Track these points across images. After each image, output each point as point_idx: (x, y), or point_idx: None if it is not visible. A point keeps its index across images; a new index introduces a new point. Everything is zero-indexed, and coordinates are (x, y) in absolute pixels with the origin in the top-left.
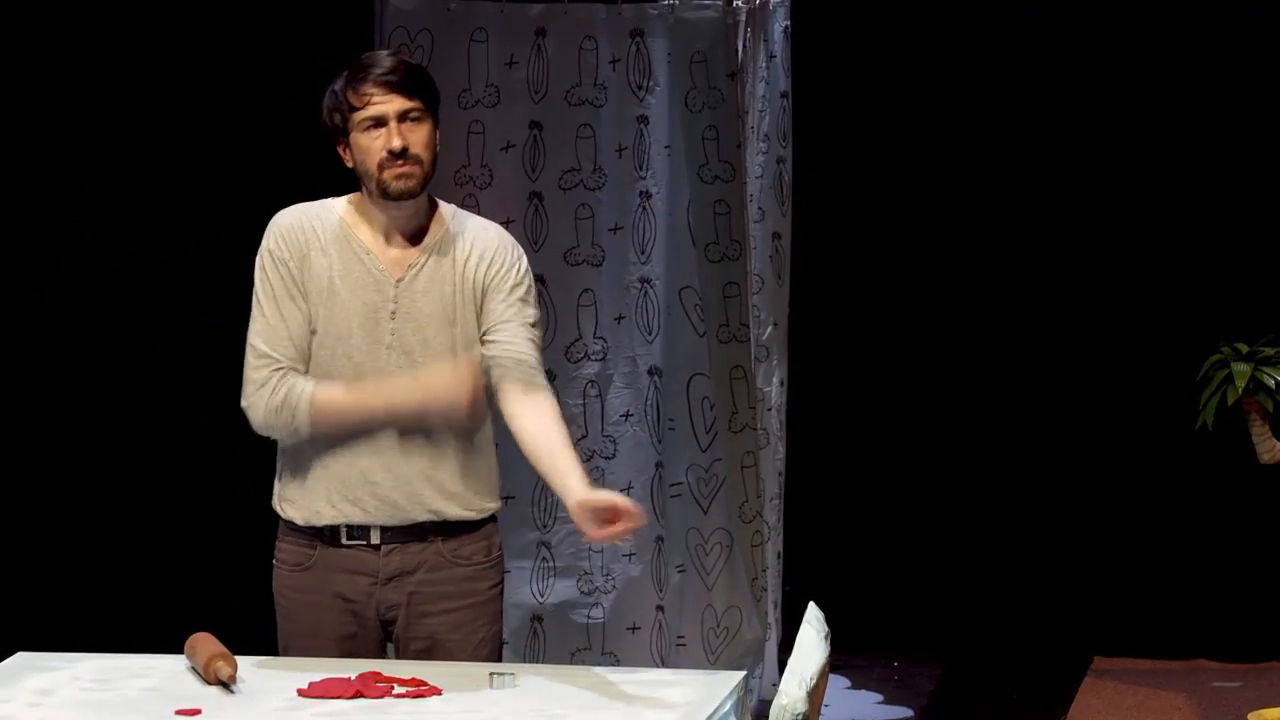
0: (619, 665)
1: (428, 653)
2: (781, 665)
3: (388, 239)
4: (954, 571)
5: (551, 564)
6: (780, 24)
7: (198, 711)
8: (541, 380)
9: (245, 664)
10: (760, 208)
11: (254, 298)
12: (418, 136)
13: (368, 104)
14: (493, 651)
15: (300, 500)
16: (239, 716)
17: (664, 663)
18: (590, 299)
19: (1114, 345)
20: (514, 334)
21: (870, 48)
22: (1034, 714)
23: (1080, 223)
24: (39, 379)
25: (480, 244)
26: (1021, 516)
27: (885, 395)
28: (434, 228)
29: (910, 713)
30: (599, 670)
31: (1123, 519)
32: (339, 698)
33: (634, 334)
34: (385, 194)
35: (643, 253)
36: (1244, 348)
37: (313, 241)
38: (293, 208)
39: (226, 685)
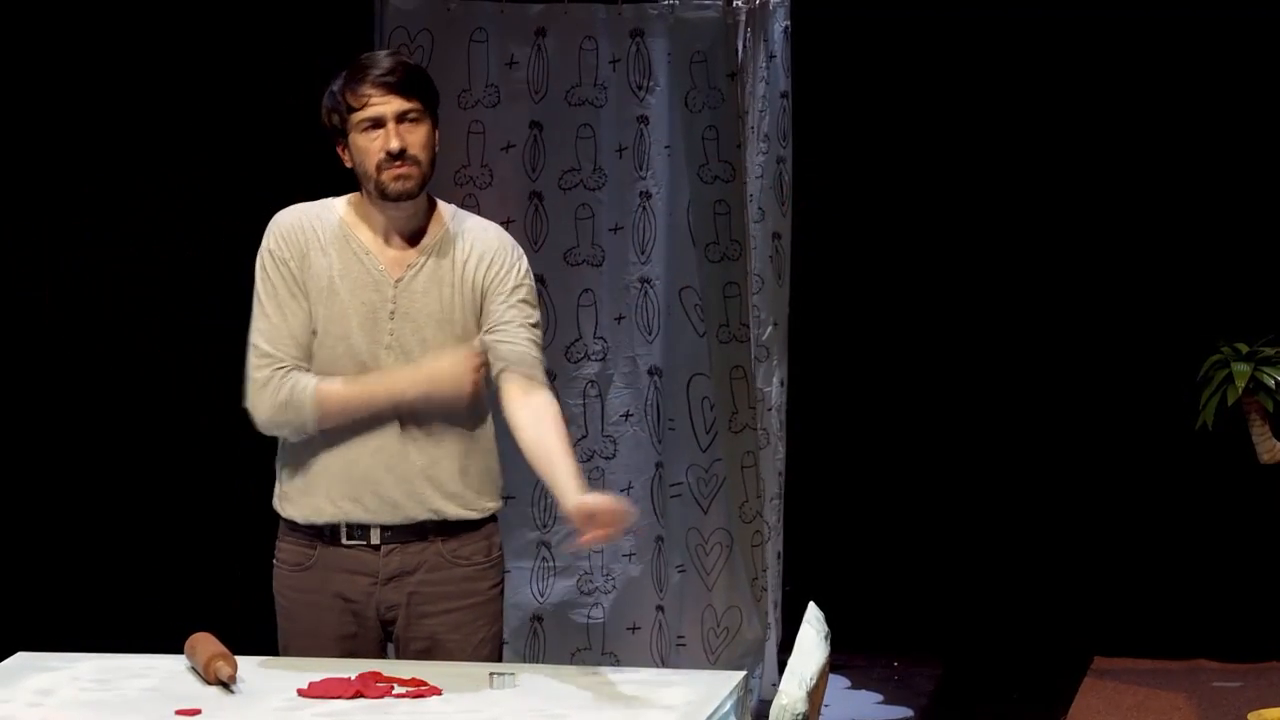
0: (619, 665)
1: (428, 653)
2: (781, 665)
3: (387, 239)
4: (954, 571)
5: (551, 564)
6: (780, 24)
7: (198, 711)
8: (542, 380)
9: (245, 664)
10: (760, 208)
11: (255, 298)
12: (416, 137)
13: (366, 105)
14: (493, 651)
15: (300, 498)
16: (239, 716)
17: (664, 663)
18: (590, 299)
19: (1114, 345)
20: (515, 334)
21: (870, 48)
22: (1034, 714)
23: (1080, 223)
24: (39, 379)
25: (480, 245)
26: (1021, 516)
27: (885, 395)
28: (433, 228)
29: (910, 713)
30: (599, 670)
31: (1123, 519)
32: (339, 698)
33: (634, 334)
34: (383, 195)
35: (643, 253)
36: (1244, 348)
37: (312, 241)
38: (293, 208)
39: (226, 685)
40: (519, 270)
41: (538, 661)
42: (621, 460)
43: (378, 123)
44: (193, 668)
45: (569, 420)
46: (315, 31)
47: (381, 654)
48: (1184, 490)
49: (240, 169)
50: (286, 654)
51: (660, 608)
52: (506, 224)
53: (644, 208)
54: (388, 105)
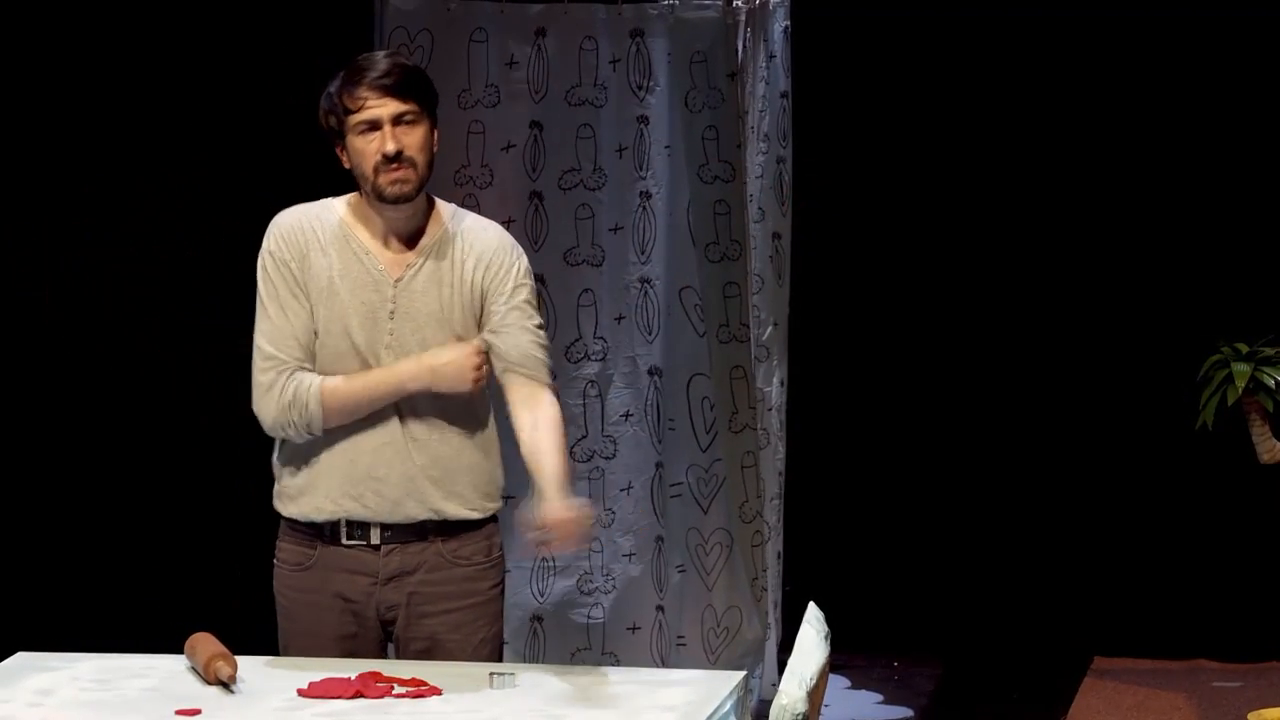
0: (619, 665)
1: (428, 653)
2: (781, 665)
3: (387, 239)
4: (954, 571)
5: (551, 564)
6: (780, 24)
7: (198, 711)
8: (546, 380)
9: (245, 664)
10: (760, 208)
11: (258, 300)
12: (412, 139)
13: (362, 107)
14: (493, 652)
15: (300, 496)
16: (239, 716)
17: (664, 663)
18: (590, 299)
19: (1114, 345)
20: (517, 336)
21: (870, 48)
22: (1034, 714)
23: (1080, 223)
24: (39, 379)
25: (479, 245)
26: (1021, 516)
27: (885, 395)
28: (432, 228)
29: (910, 713)
30: (599, 670)
31: (1123, 519)
32: (339, 698)
33: (634, 334)
34: (380, 197)
35: (643, 253)
36: (1244, 348)
37: (312, 242)
38: (293, 209)
39: (226, 685)
40: (518, 271)
41: (538, 661)
42: (621, 460)
43: (374, 125)
44: (193, 668)
45: (569, 420)
46: (315, 31)
47: (381, 654)
48: (1184, 490)
49: (240, 169)
50: (286, 654)
51: (660, 608)
52: (507, 224)
53: (644, 208)
54: (384, 108)
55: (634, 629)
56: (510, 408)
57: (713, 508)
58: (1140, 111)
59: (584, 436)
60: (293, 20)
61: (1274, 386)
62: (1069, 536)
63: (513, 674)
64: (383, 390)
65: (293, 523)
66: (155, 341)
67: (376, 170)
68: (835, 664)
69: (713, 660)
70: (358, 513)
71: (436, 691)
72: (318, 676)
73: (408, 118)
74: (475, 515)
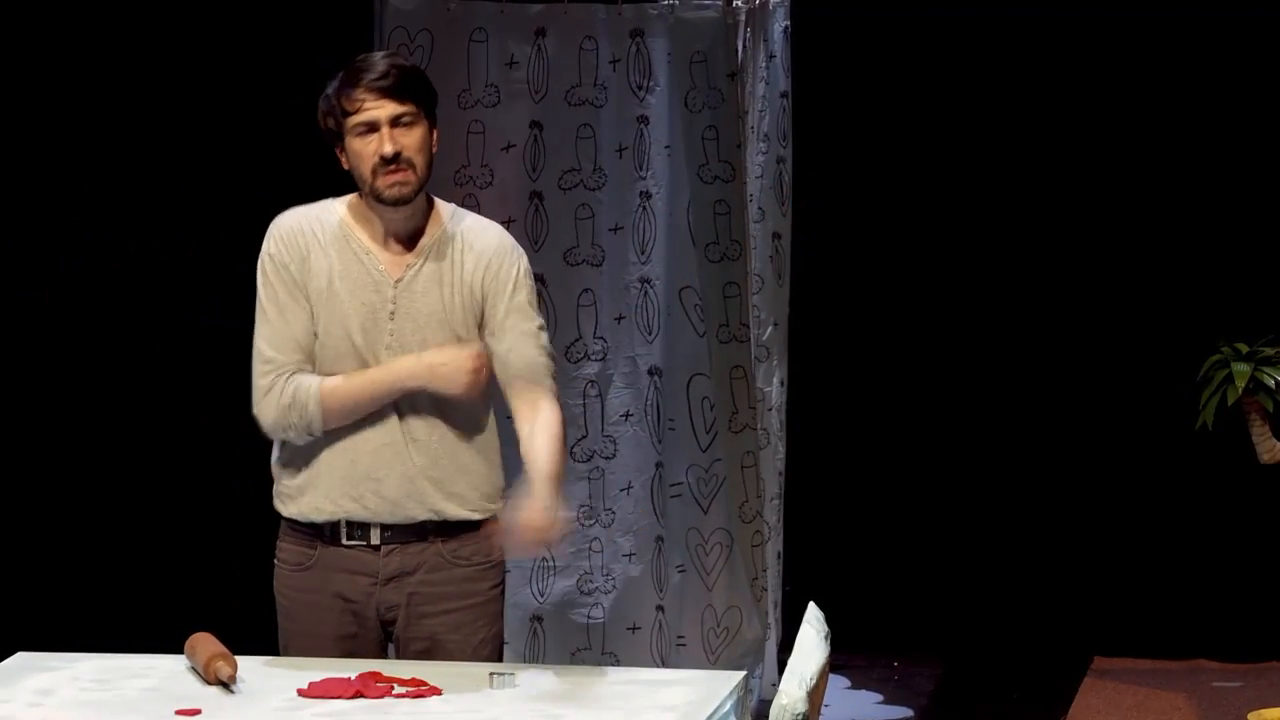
0: (619, 665)
1: (428, 653)
2: (781, 665)
3: (387, 240)
4: (954, 571)
5: (551, 564)
6: (780, 24)
7: (198, 711)
8: (549, 386)
9: (245, 664)
10: (760, 208)
11: (257, 303)
12: (410, 140)
13: (359, 109)
14: (493, 652)
15: (300, 496)
16: (239, 716)
17: (664, 663)
18: (590, 299)
19: (1114, 345)
20: (518, 343)
21: (870, 48)
22: (1034, 714)
23: (1080, 223)
24: (39, 379)
25: (479, 245)
26: (1021, 516)
27: (885, 395)
28: (431, 228)
29: (910, 713)
30: (599, 670)
31: (1123, 519)
32: (339, 698)
33: (634, 334)
34: (379, 199)
35: (643, 253)
36: (1244, 348)
37: (313, 244)
38: (292, 211)
39: (226, 685)
40: (519, 272)
41: (538, 661)
42: (621, 460)
43: (372, 127)
44: (193, 668)
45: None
46: (315, 31)
47: (382, 654)
48: (1184, 490)
49: (240, 169)
50: (287, 654)
51: (660, 608)
52: (507, 224)
53: (644, 208)
54: (381, 109)
55: (634, 629)
56: (514, 416)
57: (713, 508)
58: (1140, 111)
59: (584, 436)
60: (293, 20)
61: (1274, 386)
62: (1069, 536)
63: (513, 674)
64: (381, 389)
65: (293, 523)
66: (155, 341)
67: (375, 172)
68: (835, 664)
69: (713, 660)
70: (357, 513)
71: (436, 691)
72: (318, 676)
73: (405, 119)
74: (475, 516)
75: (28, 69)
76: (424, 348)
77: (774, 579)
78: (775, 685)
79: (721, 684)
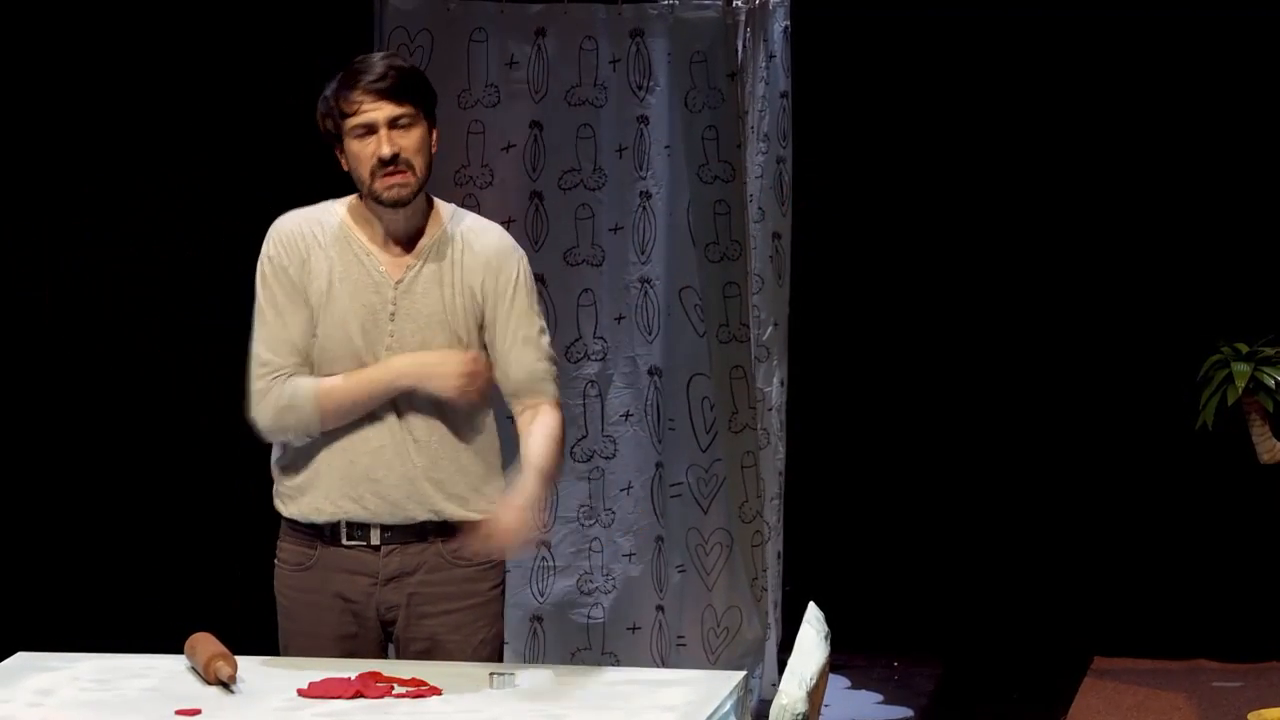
0: (619, 665)
1: (428, 653)
2: (781, 665)
3: (387, 241)
4: (954, 571)
5: (551, 564)
6: (780, 24)
7: (198, 711)
8: (549, 392)
9: (245, 664)
10: (760, 208)
11: (256, 305)
12: (408, 142)
13: (357, 111)
14: (493, 652)
15: (300, 497)
16: (239, 716)
17: (664, 663)
18: (590, 299)
19: (1114, 345)
20: (520, 352)
21: (870, 48)
22: (1034, 714)
23: (1080, 223)
24: (39, 379)
25: (480, 246)
26: (1021, 516)
27: (885, 395)
28: (431, 228)
29: (910, 713)
30: (599, 670)
31: (1123, 519)
32: (339, 698)
33: (634, 334)
34: (378, 200)
35: (643, 253)
36: (1244, 348)
37: (313, 246)
38: (293, 213)
39: (226, 685)
40: (519, 274)
41: (538, 661)
42: (621, 460)
43: (370, 129)
44: (193, 668)
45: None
46: (315, 31)
47: (382, 654)
48: (1184, 490)
49: (240, 169)
50: (287, 653)
51: (660, 608)
52: (507, 224)
53: (644, 208)
54: (379, 111)
55: (634, 629)
56: (515, 422)
57: (713, 508)
58: (1140, 111)
59: (584, 436)
60: (293, 20)
61: (1274, 386)
62: (1069, 536)
63: (513, 674)
64: (376, 389)
65: (293, 523)
66: (155, 341)
67: (373, 174)
68: (835, 664)
69: (713, 660)
70: (357, 514)
71: (436, 691)
72: (318, 676)
73: (403, 121)
74: (475, 516)
75: (28, 69)
76: (424, 349)
77: (774, 579)
78: (775, 685)
79: (721, 684)
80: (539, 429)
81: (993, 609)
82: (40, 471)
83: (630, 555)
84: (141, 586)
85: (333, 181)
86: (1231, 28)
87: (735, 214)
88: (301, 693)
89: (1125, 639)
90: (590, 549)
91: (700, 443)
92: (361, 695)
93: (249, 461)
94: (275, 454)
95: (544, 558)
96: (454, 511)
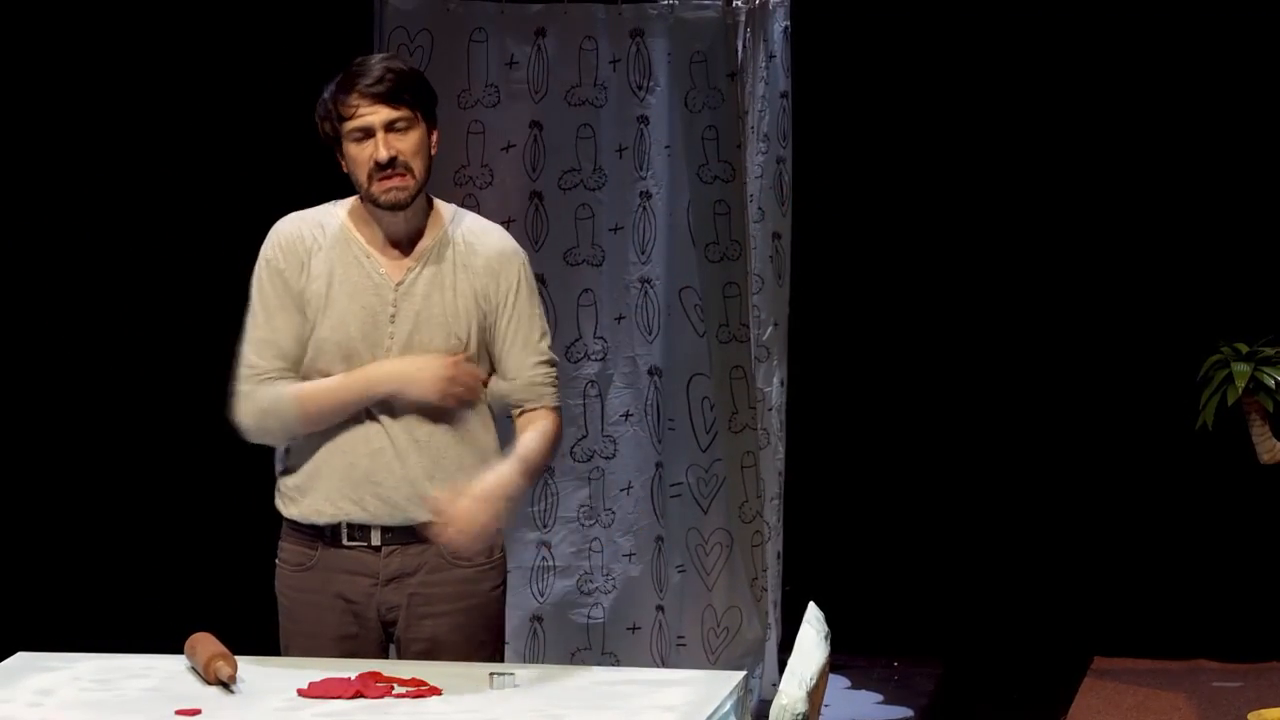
0: (619, 665)
1: (429, 654)
2: (781, 665)
3: (388, 243)
4: (954, 571)
5: (551, 564)
6: (780, 24)
7: (198, 711)
8: (548, 396)
9: (245, 664)
10: (760, 208)
11: (249, 306)
12: (406, 145)
13: (354, 115)
14: (494, 652)
15: (301, 499)
16: (239, 716)
17: (664, 663)
18: (590, 299)
19: (1114, 345)
20: (520, 354)
21: (870, 48)
22: (1034, 714)
23: (1080, 223)
24: (39, 379)
25: (481, 249)
26: (1021, 517)
27: (885, 395)
28: (431, 230)
29: (910, 713)
30: (599, 670)
31: (1123, 519)
32: (339, 698)
33: (634, 334)
34: (376, 204)
35: (643, 253)
36: (1244, 348)
37: (313, 249)
38: (294, 215)
39: (226, 685)
40: (520, 277)
41: (538, 661)
42: (621, 460)
43: (367, 132)
44: (193, 668)
45: (569, 421)
46: (315, 32)
47: (383, 655)
48: (1184, 490)
49: (240, 169)
50: (287, 654)
51: (660, 608)
52: (507, 224)
53: (644, 208)
54: (375, 115)
55: (634, 629)
56: (515, 428)
57: (713, 508)
58: (1140, 111)
59: (584, 436)
60: (293, 20)
61: (1274, 386)
62: (1069, 536)
63: (513, 674)
64: (354, 394)
65: (294, 523)
66: (155, 341)
67: (370, 177)
68: (835, 664)
69: (713, 660)
70: (358, 515)
71: (436, 692)
72: (318, 676)
73: (400, 124)
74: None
75: (28, 69)
76: (425, 350)
77: (774, 579)
78: (775, 685)
79: (721, 684)
80: (533, 428)
81: (993, 609)
82: (40, 472)
83: (630, 555)
84: (141, 586)
85: (333, 183)
86: (1231, 28)
87: (735, 214)
88: (301, 693)
89: (1125, 639)
90: (590, 549)
91: (700, 443)
92: (361, 695)
93: (249, 461)
94: (278, 455)
95: (544, 558)
96: None
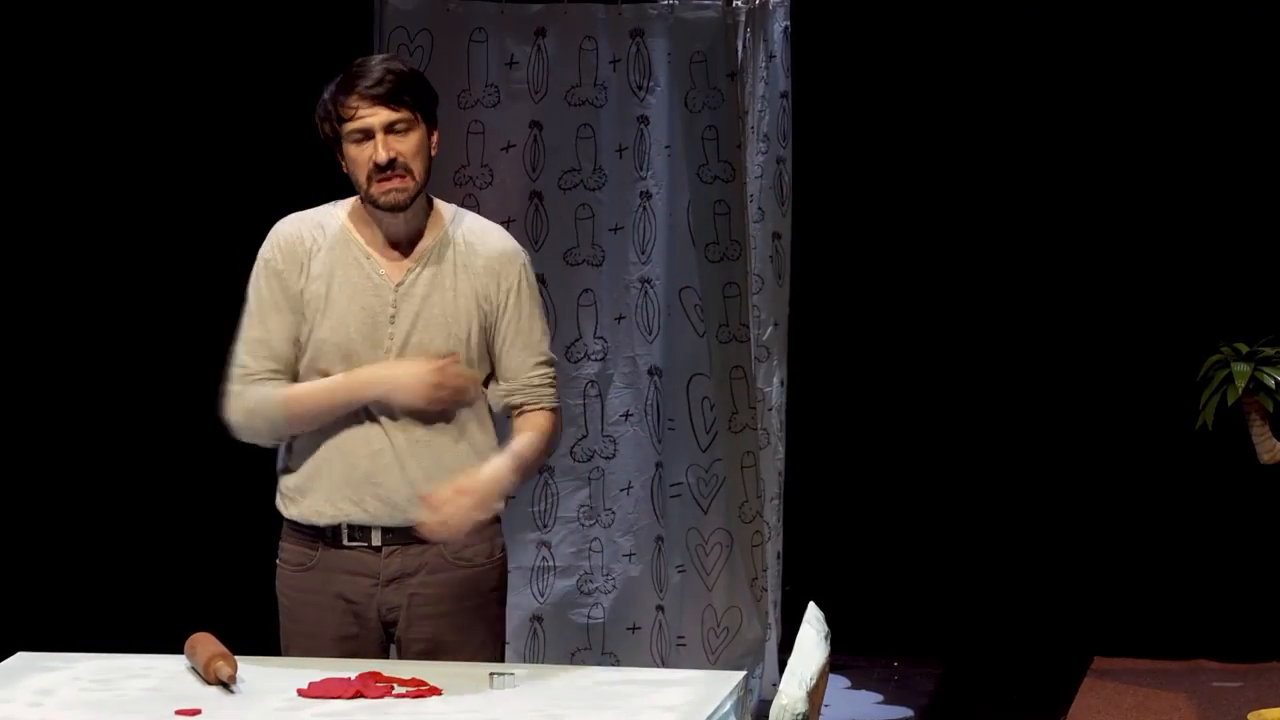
0: (619, 665)
1: (429, 654)
2: (781, 665)
3: (388, 244)
4: (954, 571)
5: (551, 564)
6: (780, 24)
7: (198, 711)
8: (547, 397)
9: (245, 664)
10: (760, 208)
11: (245, 304)
12: (405, 147)
13: (354, 116)
14: (495, 653)
15: (301, 500)
16: (239, 716)
17: (664, 663)
18: (590, 299)
19: (1114, 345)
20: (521, 355)
21: (870, 48)
22: (1034, 714)
23: (1080, 223)
24: (39, 379)
25: (482, 249)
26: (1021, 517)
27: (885, 395)
28: (432, 230)
29: (910, 713)
30: (599, 670)
31: (1123, 519)
32: (339, 698)
33: (634, 334)
34: (375, 205)
35: (643, 253)
36: (1244, 348)
37: (313, 250)
38: (294, 216)
39: (226, 685)
40: (521, 279)
41: (538, 661)
42: (621, 460)
43: (367, 134)
44: (193, 668)
45: (569, 421)
46: (315, 32)
47: (383, 655)
48: (1184, 490)
49: (239, 169)
50: (288, 654)
51: (660, 608)
52: (507, 224)
53: (644, 208)
54: (375, 117)
55: (634, 629)
56: (513, 428)
57: (713, 508)
58: (1140, 111)
59: (584, 436)
60: (293, 20)
61: (1274, 386)
62: (1069, 536)
63: (513, 674)
64: (339, 397)
65: (294, 524)
66: (155, 341)
67: (370, 179)
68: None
69: (713, 660)
70: (358, 517)
71: (436, 691)
72: (318, 676)
73: (400, 126)
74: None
75: (28, 69)
76: (425, 351)
77: (774, 579)
78: (775, 685)
79: (721, 684)
80: (530, 427)
81: (993, 609)
82: (40, 471)
83: (630, 555)
84: (141, 586)
85: (333, 183)
86: (1231, 28)
87: (735, 214)
88: (301, 693)
89: (1125, 639)
90: (590, 549)
91: (700, 443)
92: (361, 695)
93: (249, 462)
94: (280, 456)
95: (544, 558)
96: None
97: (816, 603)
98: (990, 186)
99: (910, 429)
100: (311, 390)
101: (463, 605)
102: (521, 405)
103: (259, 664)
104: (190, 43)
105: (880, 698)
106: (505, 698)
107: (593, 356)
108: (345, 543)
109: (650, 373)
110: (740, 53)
